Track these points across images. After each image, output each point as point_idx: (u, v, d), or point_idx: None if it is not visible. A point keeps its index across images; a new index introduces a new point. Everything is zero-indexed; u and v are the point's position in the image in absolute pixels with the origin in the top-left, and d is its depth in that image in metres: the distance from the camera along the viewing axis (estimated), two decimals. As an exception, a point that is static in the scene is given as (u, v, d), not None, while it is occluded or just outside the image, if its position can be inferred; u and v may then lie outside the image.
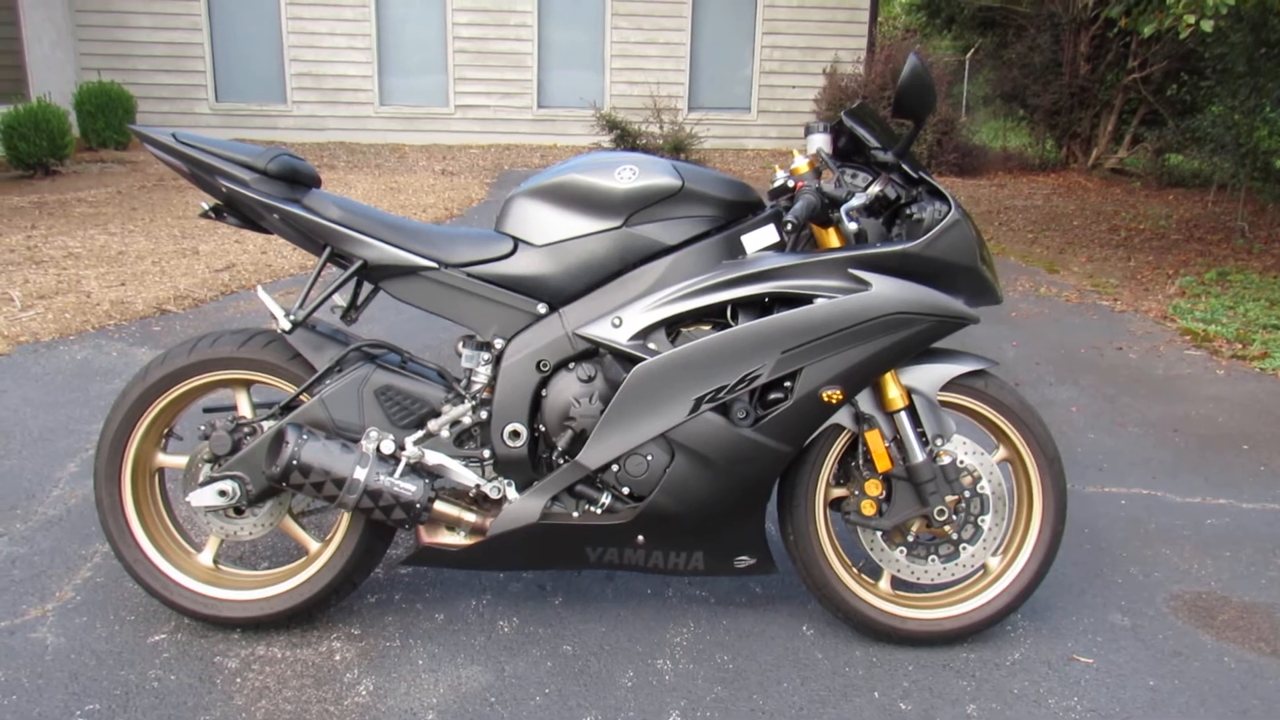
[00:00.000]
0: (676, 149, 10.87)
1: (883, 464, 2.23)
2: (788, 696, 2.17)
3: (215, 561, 2.36)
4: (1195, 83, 10.41)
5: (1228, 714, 2.15)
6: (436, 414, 2.22)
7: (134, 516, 2.30)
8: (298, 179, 2.23)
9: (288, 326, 2.19)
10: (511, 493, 2.22)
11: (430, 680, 2.19)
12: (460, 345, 2.27)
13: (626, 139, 11.17)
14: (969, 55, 13.59)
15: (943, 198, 2.16)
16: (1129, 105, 11.43)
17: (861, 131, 2.20)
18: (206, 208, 2.28)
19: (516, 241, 2.22)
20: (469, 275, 2.20)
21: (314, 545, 2.34)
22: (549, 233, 2.19)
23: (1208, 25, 5.53)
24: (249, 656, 2.25)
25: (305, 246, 2.24)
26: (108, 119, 10.76)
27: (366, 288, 2.34)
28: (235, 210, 2.24)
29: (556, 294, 2.20)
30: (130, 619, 2.37)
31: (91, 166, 9.76)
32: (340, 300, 2.30)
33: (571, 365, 2.20)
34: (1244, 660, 2.34)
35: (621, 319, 2.14)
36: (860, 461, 2.27)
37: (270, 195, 2.17)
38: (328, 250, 2.21)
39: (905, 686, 2.21)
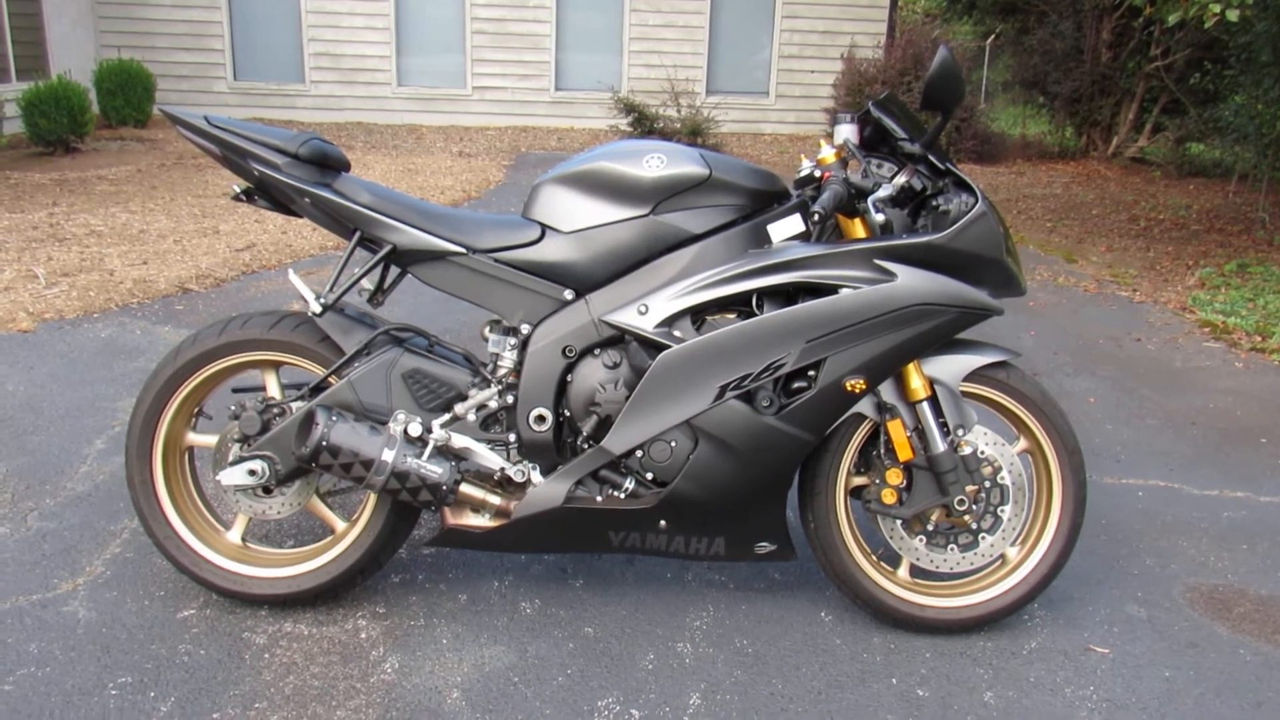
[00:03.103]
0: (694, 133, 10.84)
1: (904, 453, 2.24)
2: (807, 681, 2.19)
3: (243, 539, 2.40)
4: (1218, 72, 10.31)
5: (1243, 706, 2.16)
6: (463, 398, 2.25)
7: (164, 494, 2.34)
8: (328, 163, 2.25)
9: (318, 309, 2.21)
10: (536, 476, 2.24)
11: (454, 659, 2.23)
12: (487, 330, 2.29)
13: (644, 122, 11.14)
14: (989, 41, 13.48)
15: (969, 189, 2.17)
16: (1150, 93, 11.33)
17: (888, 122, 2.21)
18: (238, 190, 2.30)
19: (544, 228, 2.24)
20: (496, 261, 2.22)
21: (341, 525, 2.38)
22: (576, 220, 2.21)
23: (1233, 15, 5.48)
24: (276, 633, 2.29)
25: (334, 230, 2.27)
26: (127, 97, 10.80)
27: (394, 271, 2.36)
28: (266, 193, 2.27)
29: (583, 280, 2.22)
30: (160, 594, 2.42)
31: (111, 144, 9.81)
32: (368, 284, 2.32)
33: (597, 351, 2.22)
34: (1260, 653, 2.36)
35: (647, 306, 2.16)
36: (881, 450, 2.29)
37: (302, 180, 2.19)
38: (357, 234, 2.23)
39: (923, 674, 2.24)
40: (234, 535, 2.39)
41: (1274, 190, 8.10)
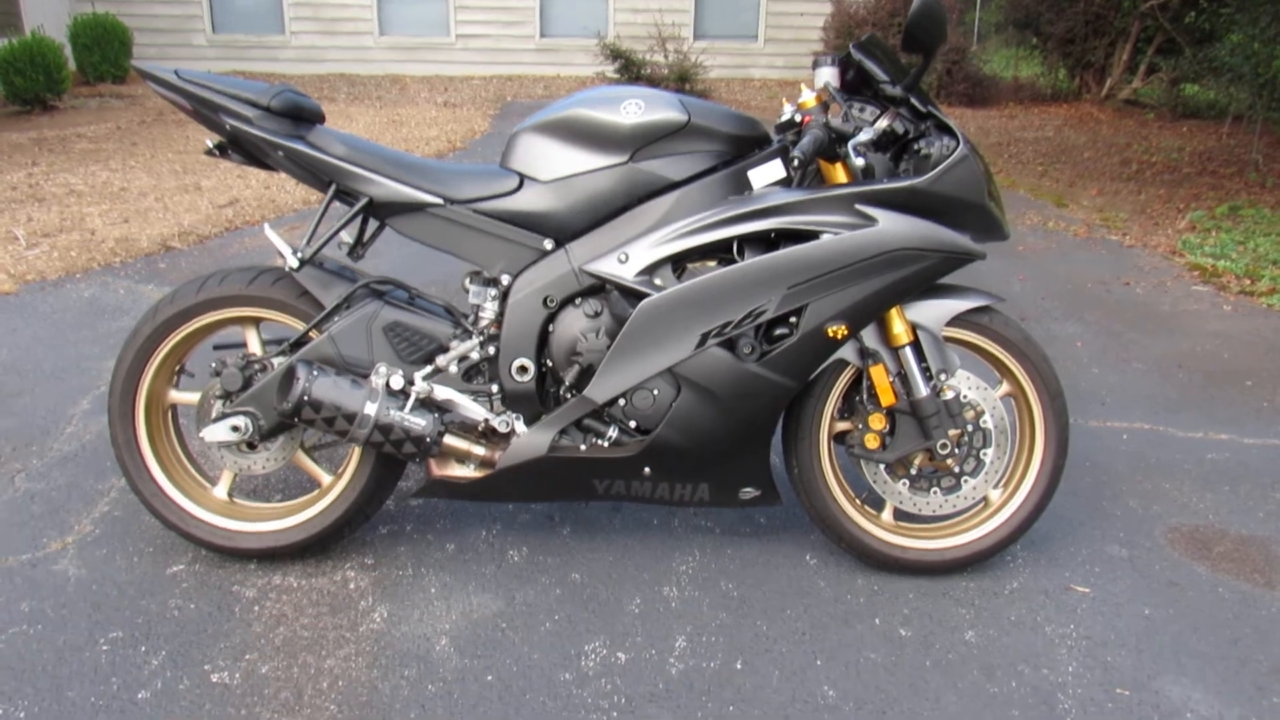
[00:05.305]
0: (681, 79, 10.70)
1: (887, 399, 2.25)
2: (791, 623, 2.22)
3: (230, 495, 2.40)
4: (1214, 10, 10.16)
5: (1219, 642, 2.20)
6: (444, 350, 2.24)
7: (149, 452, 2.34)
8: (301, 115, 2.22)
9: (295, 264, 2.20)
10: (520, 426, 2.25)
11: (443, 608, 2.25)
12: (467, 281, 2.28)
13: (630, 69, 10.99)
14: (982, -18, 13.28)
15: (951, 133, 2.15)
16: (1145, 33, 11.19)
17: (870, 65, 2.18)
18: (211, 145, 2.27)
19: (522, 177, 2.22)
20: (475, 211, 2.20)
21: (326, 478, 2.39)
22: (555, 168, 2.19)
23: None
24: (266, 586, 2.31)
25: (310, 183, 2.24)
26: (104, 52, 10.63)
27: (373, 224, 2.34)
28: (240, 148, 2.24)
29: (562, 230, 2.20)
30: (149, 551, 2.43)
31: (89, 101, 9.66)
32: (347, 237, 2.30)
33: (578, 301, 2.21)
34: (1238, 591, 2.39)
35: (628, 255, 2.14)
36: (864, 396, 2.30)
37: (274, 132, 2.16)
38: (333, 187, 2.21)
39: (905, 614, 2.27)
40: (220, 491, 2.40)
41: (1268, 131, 8.05)
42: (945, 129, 2.16)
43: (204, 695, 1.96)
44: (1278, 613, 2.30)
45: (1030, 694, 2.02)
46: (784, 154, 2.21)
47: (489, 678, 2.03)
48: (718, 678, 2.04)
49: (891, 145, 2.21)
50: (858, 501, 2.39)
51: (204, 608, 2.23)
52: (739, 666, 2.08)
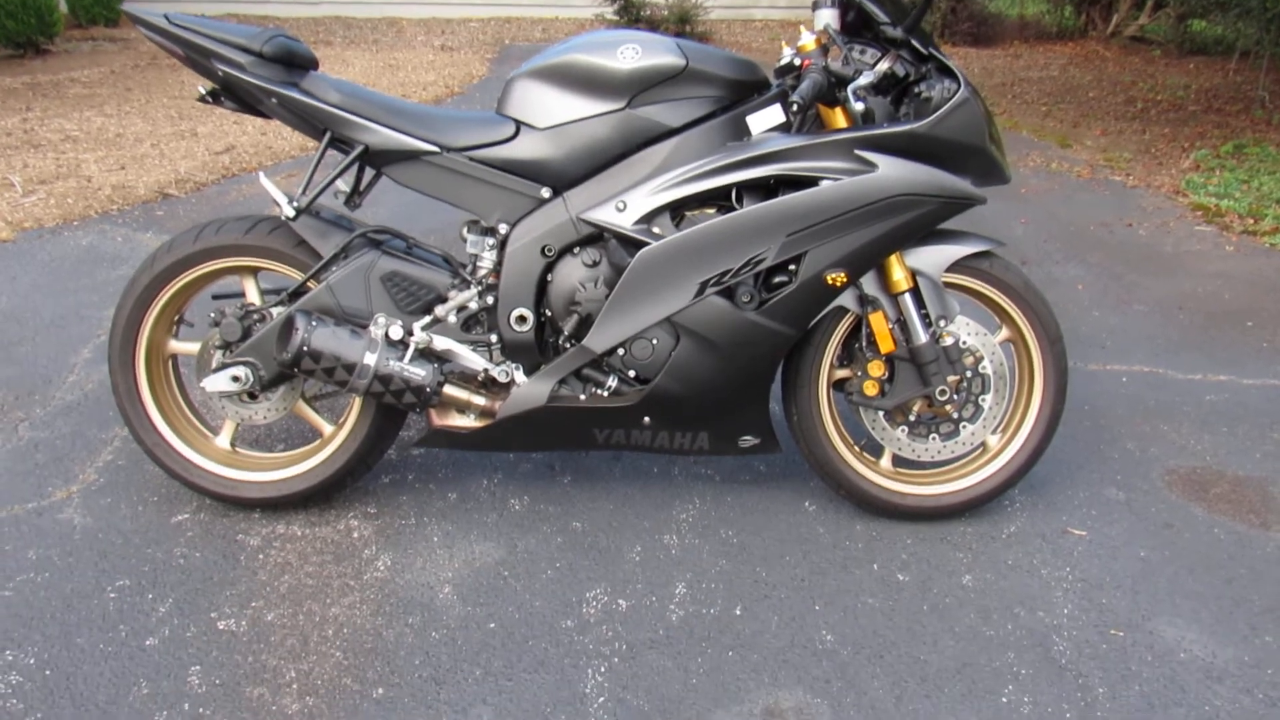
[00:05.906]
0: (682, 20, 10.51)
1: (886, 345, 2.25)
2: (790, 569, 2.25)
3: (232, 444, 2.42)
4: (1224, -57, 9.93)
5: (1215, 582, 2.23)
6: (443, 300, 2.24)
7: (150, 402, 2.35)
8: (294, 61, 2.19)
9: (291, 213, 2.18)
10: (519, 376, 2.25)
11: (445, 556, 2.27)
12: (465, 230, 2.27)
13: (630, 10, 10.79)
14: (988, -85, 12.94)
15: (952, 75, 2.11)
16: (1153, -33, 10.95)
17: (870, 6, 2.14)
18: (204, 92, 2.24)
19: (518, 124, 2.19)
20: (471, 159, 2.18)
21: (328, 428, 2.40)
22: (551, 115, 2.16)
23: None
24: (270, 534, 2.34)
25: (305, 131, 2.22)
26: (95, -6, 10.42)
27: (369, 173, 2.32)
28: (233, 95, 2.21)
29: (560, 178, 2.18)
30: (153, 500, 2.45)
31: (83, 45, 9.51)
32: (343, 185, 2.28)
33: (576, 250, 2.20)
34: (1234, 531, 2.41)
35: (626, 203, 2.13)
36: (864, 343, 2.29)
37: (267, 79, 2.13)
38: (328, 135, 2.18)
39: (904, 559, 2.29)
40: (223, 440, 2.41)
41: (1275, 67, 7.91)
42: (946, 71, 2.13)
43: (211, 642, 1.99)
44: (1272, 553, 2.32)
45: (1026, 636, 2.05)
46: (783, 99, 2.18)
47: (491, 625, 2.06)
48: (717, 623, 2.08)
49: (892, 88, 2.18)
50: (856, 448, 2.40)
51: (209, 556, 2.25)
52: (738, 612, 2.11)
